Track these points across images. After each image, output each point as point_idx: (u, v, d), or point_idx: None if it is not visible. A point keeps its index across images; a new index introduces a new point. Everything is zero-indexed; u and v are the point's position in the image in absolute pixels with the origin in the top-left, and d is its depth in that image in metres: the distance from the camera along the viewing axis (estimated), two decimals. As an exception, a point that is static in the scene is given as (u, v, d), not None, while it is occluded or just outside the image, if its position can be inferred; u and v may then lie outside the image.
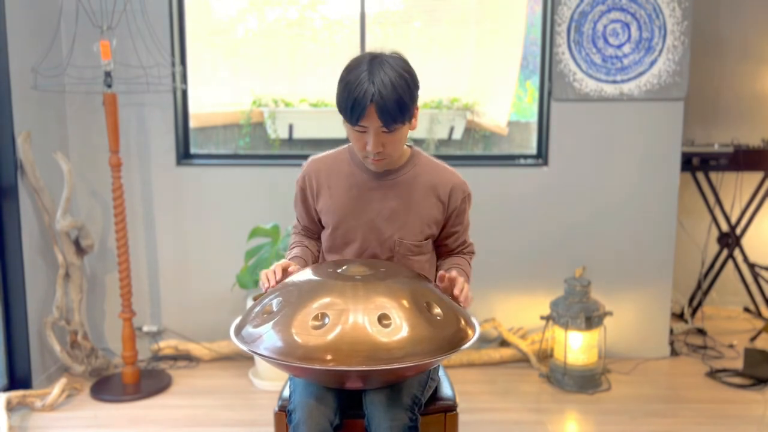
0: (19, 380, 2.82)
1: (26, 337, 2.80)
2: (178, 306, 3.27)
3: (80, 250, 2.99)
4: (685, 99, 3.14)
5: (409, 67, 1.54)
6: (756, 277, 3.68)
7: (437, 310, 1.40)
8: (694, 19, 3.36)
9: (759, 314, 3.77)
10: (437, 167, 1.70)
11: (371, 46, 3.23)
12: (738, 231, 3.68)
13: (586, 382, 2.93)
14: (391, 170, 1.66)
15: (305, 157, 1.78)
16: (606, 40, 3.08)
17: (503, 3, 3.45)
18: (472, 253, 1.79)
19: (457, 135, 3.50)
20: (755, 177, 3.67)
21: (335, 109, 1.55)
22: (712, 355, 3.28)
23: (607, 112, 3.14)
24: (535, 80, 3.27)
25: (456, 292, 1.50)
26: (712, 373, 3.07)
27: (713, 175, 3.69)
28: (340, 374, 1.32)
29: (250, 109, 3.48)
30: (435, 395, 1.64)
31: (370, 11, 3.27)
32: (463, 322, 1.43)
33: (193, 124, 3.33)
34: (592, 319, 2.93)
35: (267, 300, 1.44)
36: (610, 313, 3.00)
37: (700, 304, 3.67)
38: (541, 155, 3.23)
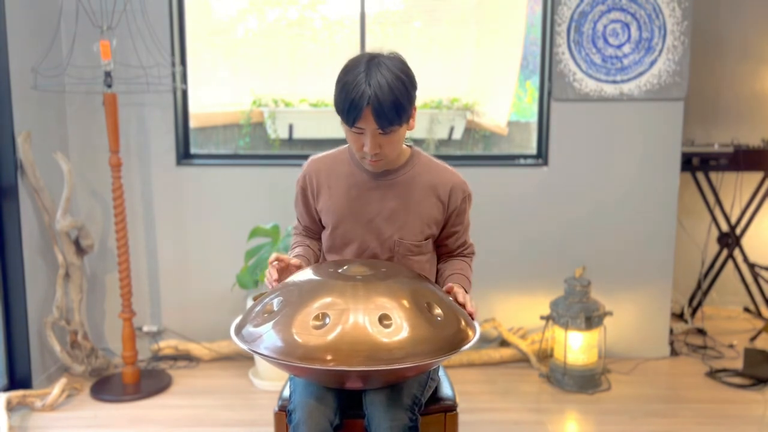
0: (19, 380, 2.82)
1: (26, 337, 2.80)
2: (178, 306, 3.27)
3: (80, 250, 2.99)
4: (685, 99, 3.14)
5: (407, 68, 1.53)
6: (756, 277, 3.68)
7: (438, 311, 1.40)
8: (694, 19, 3.36)
9: (759, 314, 3.77)
10: (437, 167, 1.69)
11: (371, 46, 3.23)
12: (738, 231, 3.68)
13: (586, 382, 2.93)
14: (391, 170, 1.65)
15: (305, 157, 1.78)
16: (606, 40, 3.08)
17: (503, 3, 3.45)
18: (473, 254, 1.79)
19: (457, 135, 3.50)
20: (755, 177, 3.67)
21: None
22: (712, 355, 3.28)
23: (607, 112, 3.14)
24: (535, 80, 3.27)
25: (470, 309, 1.51)
26: (712, 373, 3.07)
27: (713, 175, 3.69)
28: (340, 374, 1.32)
29: (250, 109, 3.48)
30: (435, 395, 1.64)
31: (370, 11, 3.27)
32: (463, 322, 1.43)
33: (193, 124, 3.33)
34: (592, 319, 2.93)
35: (267, 299, 1.44)
36: (610, 313, 3.00)
37: (700, 304, 3.67)
38: (541, 155, 3.23)
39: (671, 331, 3.41)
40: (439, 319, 1.39)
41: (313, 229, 1.78)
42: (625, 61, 3.09)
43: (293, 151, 3.51)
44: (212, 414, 2.71)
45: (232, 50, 3.48)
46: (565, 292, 2.99)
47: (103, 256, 3.22)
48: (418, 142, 3.45)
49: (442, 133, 3.48)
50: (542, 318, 3.09)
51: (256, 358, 2.96)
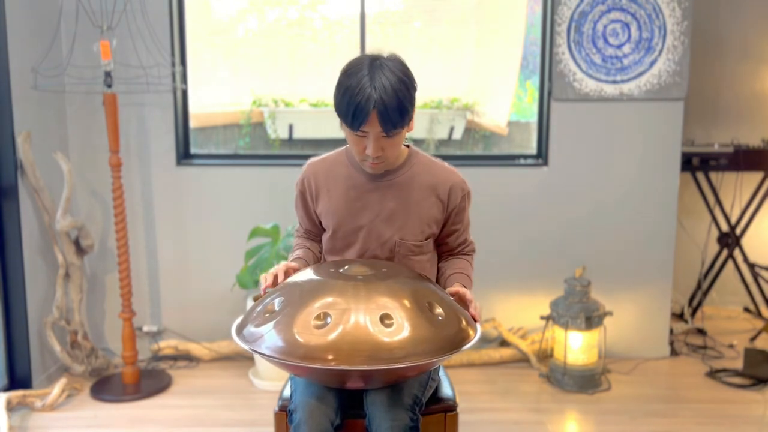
0: (19, 380, 2.82)
1: (26, 337, 2.80)
2: (178, 306, 3.27)
3: (80, 250, 2.99)
4: (685, 99, 3.14)
5: (408, 69, 1.53)
6: (756, 277, 3.68)
7: (439, 310, 1.40)
8: (694, 19, 3.36)
9: (759, 314, 3.77)
10: (435, 166, 1.69)
11: (371, 47, 3.23)
12: (738, 231, 3.68)
13: (586, 382, 2.93)
14: (390, 171, 1.65)
15: (305, 157, 1.78)
16: (606, 40, 3.08)
17: (503, 3, 3.45)
18: (473, 251, 1.79)
19: (457, 135, 3.50)
20: (755, 177, 3.67)
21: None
22: (712, 355, 3.29)
23: (607, 112, 3.14)
24: (535, 80, 3.27)
25: (472, 311, 1.51)
26: (712, 373, 3.07)
27: (713, 175, 3.69)
28: (341, 374, 1.32)
29: (250, 109, 3.48)
30: (435, 395, 1.64)
31: (370, 11, 3.27)
32: (464, 322, 1.43)
33: (193, 124, 3.32)
34: (592, 319, 2.93)
35: (269, 299, 1.44)
36: (610, 313, 3.00)
37: (700, 304, 3.67)
38: (541, 155, 3.23)
39: (671, 331, 3.41)
40: (440, 318, 1.39)
41: (314, 231, 1.78)
42: (625, 61, 3.09)
43: (293, 151, 3.51)
44: (212, 414, 2.71)
45: (232, 50, 3.48)
46: (565, 292, 2.99)
47: (103, 256, 3.21)
48: (418, 142, 3.45)
49: (442, 133, 3.48)
50: (542, 318, 3.09)
51: (257, 358, 2.97)
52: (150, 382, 2.95)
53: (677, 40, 3.06)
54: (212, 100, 3.46)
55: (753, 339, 3.47)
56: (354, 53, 1.58)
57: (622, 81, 3.10)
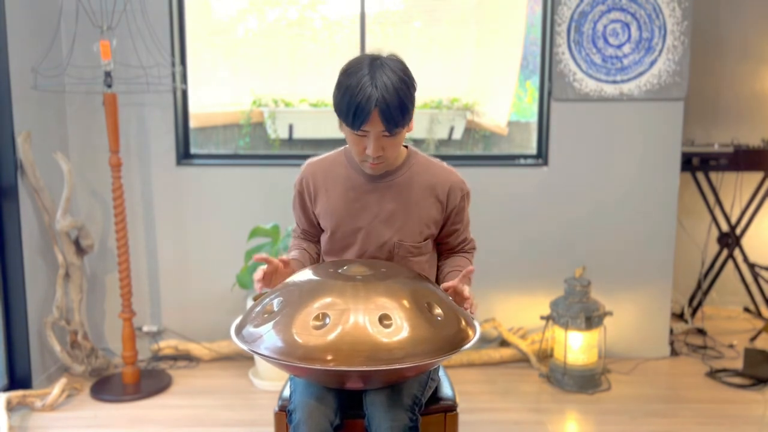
0: (19, 380, 2.82)
1: (26, 337, 2.80)
2: (178, 306, 3.27)
3: (80, 250, 2.99)
4: (685, 99, 3.14)
5: (408, 69, 1.53)
6: (756, 277, 3.68)
7: (438, 311, 1.40)
8: (694, 19, 3.36)
9: (759, 314, 3.77)
10: (434, 166, 1.69)
11: (371, 47, 3.23)
12: (738, 231, 3.68)
13: (586, 382, 2.93)
14: (389, 172, 1.64)
15: (305, 157, 1.78)
16: (606, 40, 3.08)
17: (503, 3, 3.45)
18: (474, 249, 1.78)
19: (457, 135, 3.50)
20: (755, 177, 3.67)
21: (335, 109, 1.55)
22: (712, 355, 3.28)
23: (607, 112, 3.14)
24: (535, 80, 3.27)
25: (467, 306, 1.50)
26: (712, 373, 3.07)
27: (713, 175, 3.69)
28: (340, 374, 1.32)
29: (250, 109, 3.48)
30: (435, 395, 1.64)
31: (370, 11, 3.27)
32: (463, 322, 1.43)
33: (193, 124, 3.33)
34: (592, 319, 2.93)
35: (268, 300, 1.44)
36: (610, 313, 3.00)
37: (700, 304, 3.67)
38: (541, 155, 3.23)
39: (671, 331, 3.41)
40: (439, 318, 1.39)
41: (311, 232, 1.78)
42: (625, 61, 3.09)
43: (293, 151, 3.51)
44: (212, 414, 2.71)
45: (232, 50, 3.48)
46: (565, 292, 2.99)
47: (103, 256, 3.21)
48: (418, 142, 3.45)
49: (442, 133, 3.48)
50: (542, 318, 3.09)
51: (256, 358, 2.96)
52: (150, 382, 2.95)
53: (677, 40, 3.06)
54: (212, 100, 3.46)
55: (753, 339, 3.47)
56: (354, 53, 1.58)
57: (622, 81, 3.10)
